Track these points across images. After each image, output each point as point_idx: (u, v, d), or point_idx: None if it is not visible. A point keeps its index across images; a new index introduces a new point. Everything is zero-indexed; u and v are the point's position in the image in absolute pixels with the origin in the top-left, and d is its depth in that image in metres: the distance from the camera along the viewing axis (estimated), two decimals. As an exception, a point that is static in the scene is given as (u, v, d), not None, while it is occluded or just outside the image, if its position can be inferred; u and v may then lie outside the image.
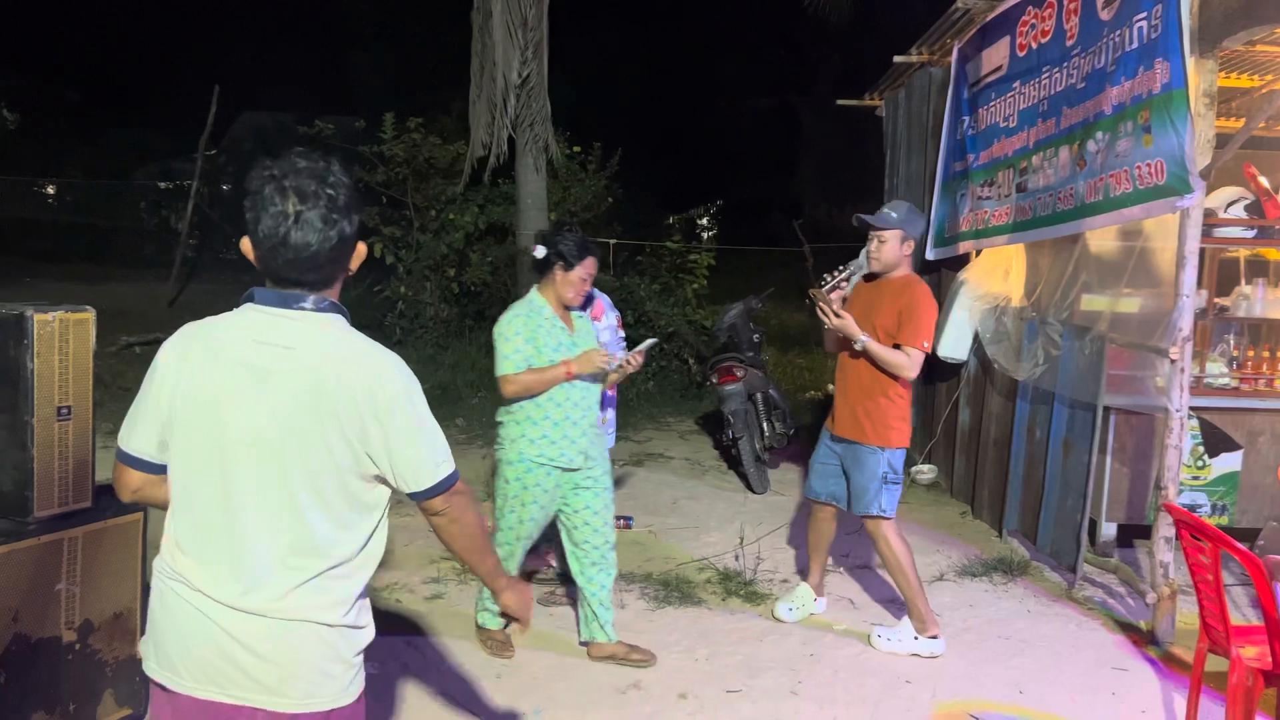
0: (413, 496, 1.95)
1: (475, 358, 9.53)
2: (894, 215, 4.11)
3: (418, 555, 5.03)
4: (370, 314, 11.78)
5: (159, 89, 26.47)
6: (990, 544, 5.60)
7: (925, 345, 4.01)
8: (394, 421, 1.90)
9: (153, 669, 1.93)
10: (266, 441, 1.86)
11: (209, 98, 15.00)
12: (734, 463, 6.85)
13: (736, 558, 5.17)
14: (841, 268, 4.16)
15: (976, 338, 5.95)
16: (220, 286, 16.87)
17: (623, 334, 4.87)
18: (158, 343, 7.72)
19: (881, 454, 4.07)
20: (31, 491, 2.96)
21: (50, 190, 23.31)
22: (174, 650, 1.89)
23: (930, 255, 6.40)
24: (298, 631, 1.86)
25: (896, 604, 4.65)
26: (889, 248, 4.09)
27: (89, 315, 3.09)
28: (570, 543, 4.00)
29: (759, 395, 6.65)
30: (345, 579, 1.91)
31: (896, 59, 7.45)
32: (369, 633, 1.98)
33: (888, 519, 4.10)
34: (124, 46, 28.73)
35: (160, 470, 1.95)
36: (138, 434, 1.94)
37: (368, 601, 1.98)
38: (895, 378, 4.04)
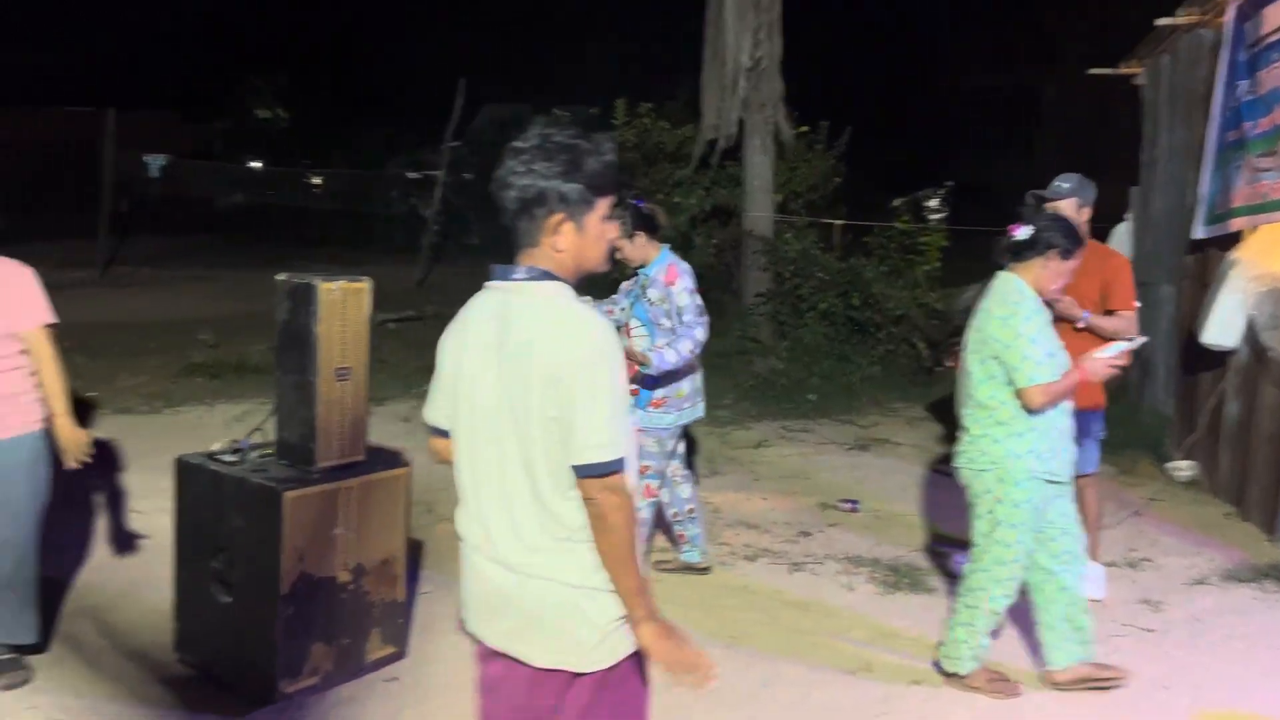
0: (576, 471, 1.91)
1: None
2: (1066, 186, 4.20)
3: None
4: (599, 293, 12.18)
5: (409, 86, 28.39)
6: (1260, 548, 5.10)
7: (1136, 304, 4.18)
8: (578, 385, 1.89)
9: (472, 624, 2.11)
10: (495, 411, 1.97)
11: (454, 92, 15.92)
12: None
13: (964, 546, 4.98)
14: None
15: (1250, 323, 5.42)
16: (462, 270, 17.95)
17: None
18: (410, 320, 8.43)
19: (1096, 415, 4.20)
20: (315, 443, 3.29)
21: (316, 181, 25.56)
22: (465, 595, 2.12)
23: (1200, 234, 5.89)
24: (540, 588, 1.95)
25: (1149, 604, 4.34)
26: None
27: (365, 285, 3.39)
28: (1048, 556, 3.47)
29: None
30: (586, 543, 1.94)
31: (1160, 22, 6.88)
32: (597, 599, 1.95)
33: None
34: (378, 48, 31.02)
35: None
36: (433, 406, 2.14)
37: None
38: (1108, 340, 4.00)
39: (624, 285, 4.51)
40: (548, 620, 1.96)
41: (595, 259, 2.03)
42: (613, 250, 3.53)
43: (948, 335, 6.69)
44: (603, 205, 2.00)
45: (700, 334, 4.22)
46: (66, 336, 9.98)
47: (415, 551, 4.53)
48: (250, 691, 3.28)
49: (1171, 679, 3.67)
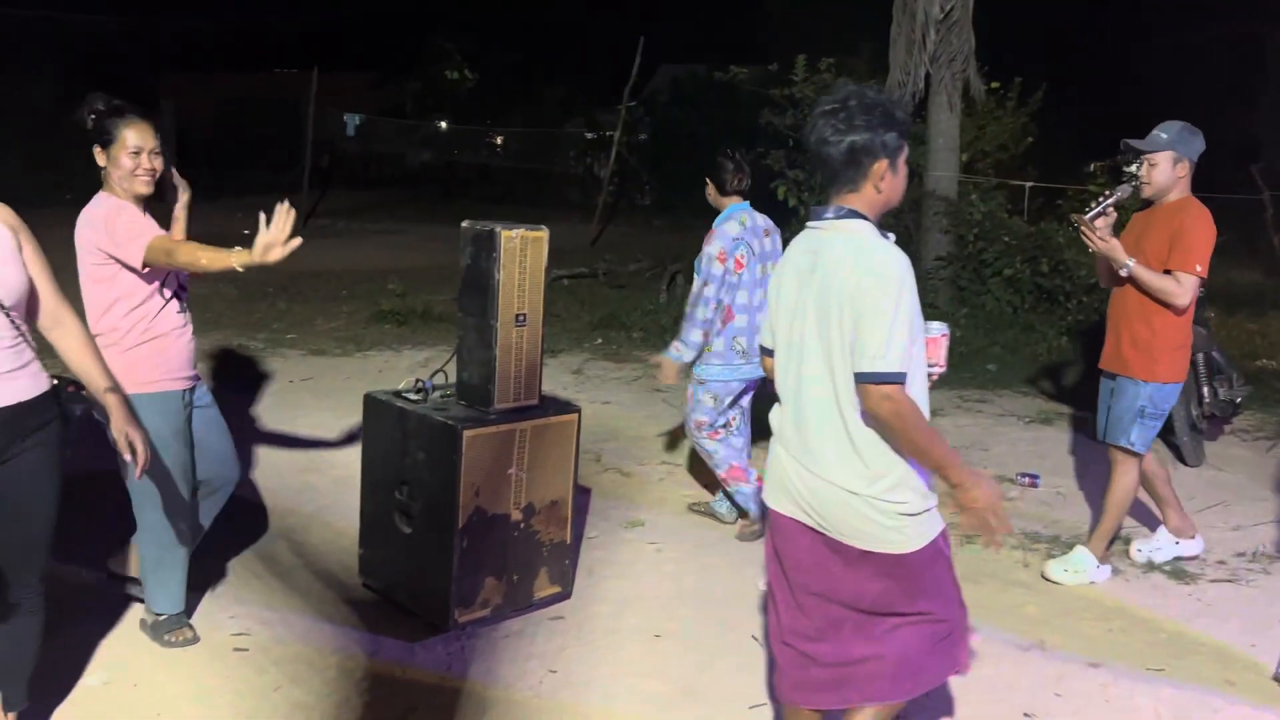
0: (856, 378, 2.22)
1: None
2: (1164, 136, 3.84)
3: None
4: (771, 257, 12.06)
5: (589, 47, 28.72)
6: None
7: (1199, 270, 3.78)
8: (867, 301, 2.19)
9: (767, 493, 2.51)
10: (810, 330, 2.30)
11: (632, 52, 15.99)
12: (1164, 430, 6.14)
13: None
14: (1108, 192, 3.91)
15: None
16: (635, 228, 18.16)
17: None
18: (583, 276, 8.58)
19: (1143, 387, 3.93)
20: (493, 385, 3.40)
21: (498, 140, 26.33)
22: (774, 482, 2.47)
23: None
24: (825, 489, 2.32)
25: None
26: (1159, 171, 3.86)
27: (544, 234, 3.46)
28: None
29: (1200, 355, 5.87)
30: (862, 453, 2.27)
31: None
32: (913, 505, 2.31)
33: (1135, 454, 4.01)
34: (560, 9, 31.50)
35: None
36: (764, 330, 2.53)
37: (909, 478, 2.31)
38: (1166, 306, 3.82)
39: None
40: (832, 515, 2.33)
41: (899, 196, 2.39)
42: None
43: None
44: (905, 149, 2.35)
45: (700, 313, 4.20)
46: (271, 283, 10.76)
47: (583, 497, 4.64)
48: (426, 618, 3.46)
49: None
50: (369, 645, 3.36)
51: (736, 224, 4.25)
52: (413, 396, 3.59)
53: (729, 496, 4.55)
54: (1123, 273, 3.83)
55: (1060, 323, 8.79)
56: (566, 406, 3.68)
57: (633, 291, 10.81)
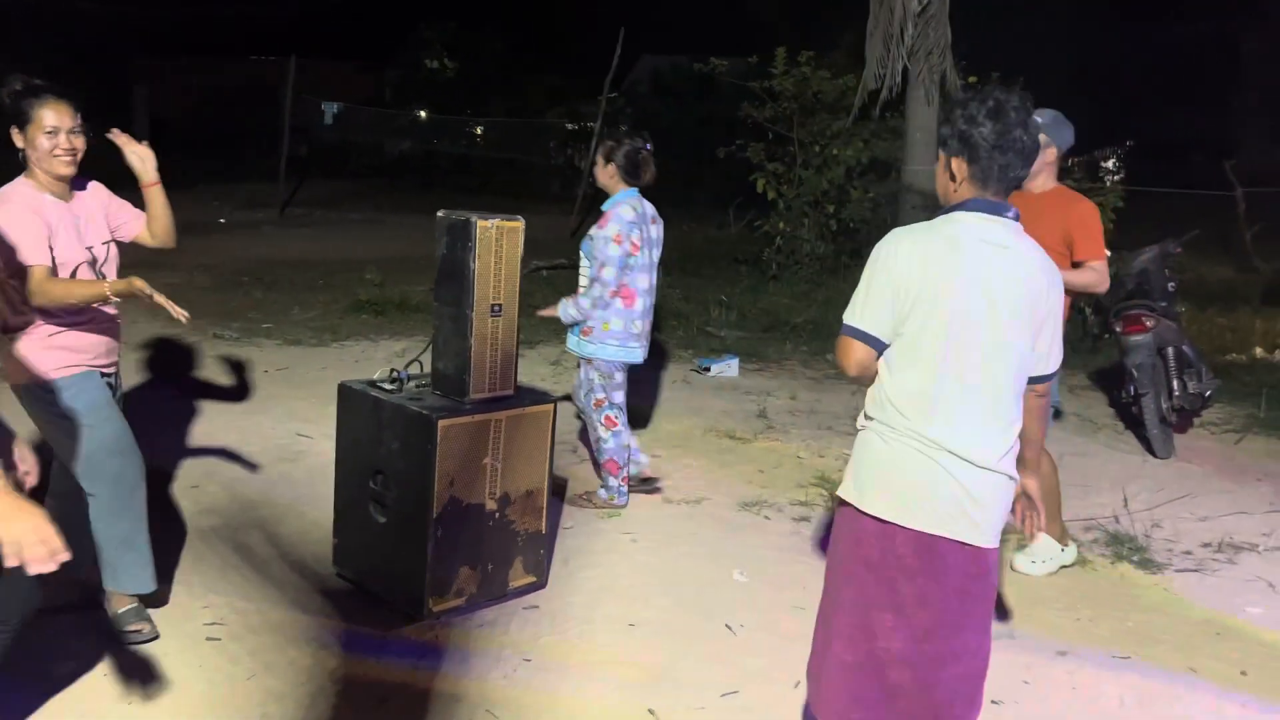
0: (1033, 379, 2.35)
1: (849, 295, 9.44)
2: (1039, 121, 3.74)
3: (784, 479, 5.15)
4: (748, 249, 12.07)
5: (570, 37, 28.64)
6: None
7: (1106, 253, 3.93)
8: (1054, 312, 2.32)
9: (878, 507, 2.31)
10: (989, 329, 2.25)
11: (613, 43, 15.95)
12: (1134, 423, 6.24)
13: (1119, 519, 4.75)
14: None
15: None
16: (614, 220, 18.15)
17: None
18: (562, 268, 8.55)
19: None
20: (469, 376, 3.41)
21: (478, 130, 26.21)
22: (909, 493, 2.28)
23: None
24: (1002, 483, 2.31)
25: (1331, 595, 4.04)
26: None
27: (520, 224, 3.46)
28: None
29: (1170, 349, 5.96)
30: (1017, 444, 2.35)
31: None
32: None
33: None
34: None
35: (883, 348, 2.34)
36: (876, 317, 2.32)
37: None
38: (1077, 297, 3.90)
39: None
40: (1001, 509, 2.32)
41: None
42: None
43: (1118, 300, 6.30)
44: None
45: (598, 291, 4.32)
46: (246, 272, 10.67)
47: (559, 488, 4.66)
48: (400, 607, 3.46)
49: (1350, 674, 3.41)
50: (343, 635, 3.36)
51: (629, 209, 4.36)
52: (388, 386, 3.59)
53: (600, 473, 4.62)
54: None
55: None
56: (542, 397, 3.69)
57: (611, 283, 10.81)
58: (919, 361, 2.27)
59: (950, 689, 2.33)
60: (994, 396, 2.28)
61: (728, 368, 7.42)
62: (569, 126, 23.95)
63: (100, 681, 3.00)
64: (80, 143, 3.07)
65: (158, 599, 3.38)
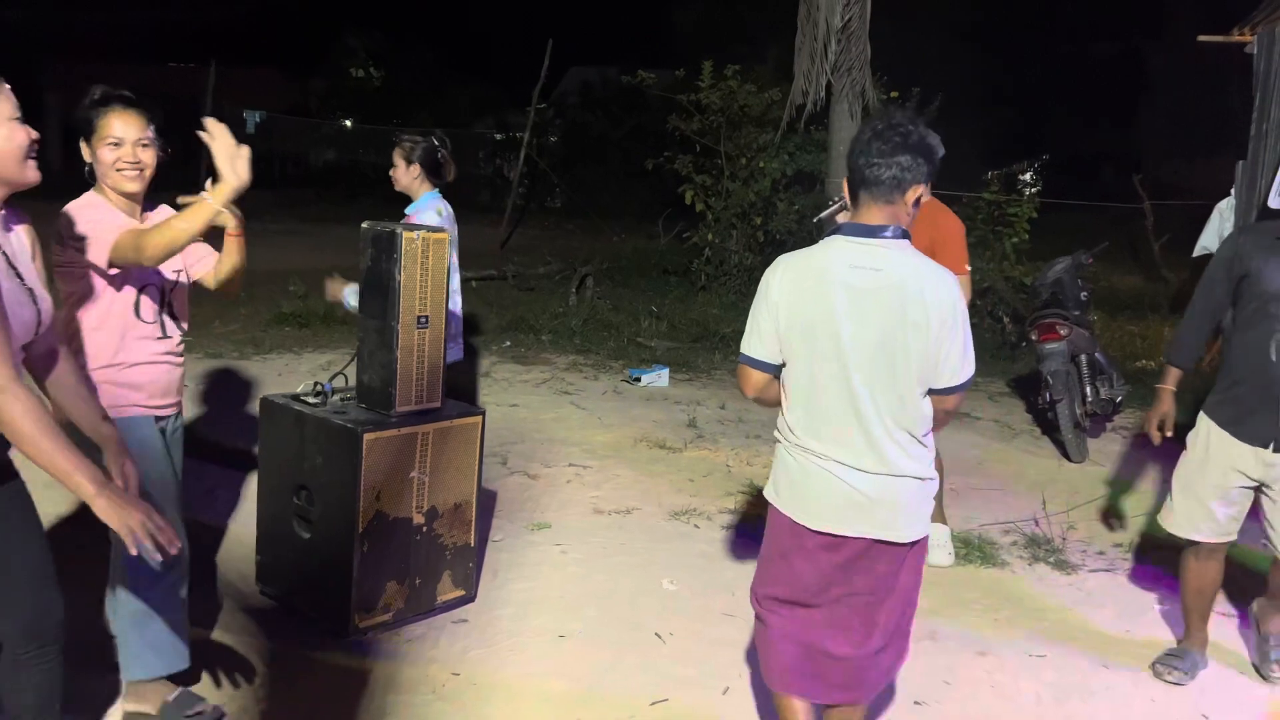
0: (935, 391, 2.41)
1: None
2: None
3: (714, 487, 5.20)
4: (678, 260, 12.17)
5: (498, 48, 28.55)
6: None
7: (968, 269, 3.98)
8: (947, 322, 2.35)
9: (791, 509, 2.51)
10: (869, 345, 2.36)
11: (541, 54, 15.95)
12: (1049, 428, 6.44)
13: (1037, 522, 4.90)
14: (836, 198, 3.98)
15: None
16: (545, 231, 18.10)
17: None
18: (491, 279, 8.46)
19: None
20: (395, 389, 3.37)
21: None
22: (812, 501, 2.46)
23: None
24: (908, 485, 2.43)
25: (1234, 588, 4.22)
26: None
27: (445, 236, 3.44)
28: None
29: (1083, 357, 6.17)
30: (925, 446, 2.46)
31: (1278, -14, 6.53)
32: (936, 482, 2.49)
33: None
34: (468, 8, 31.22)
35: (775, 370, 2.51)
36: (762, 343, 2.50)
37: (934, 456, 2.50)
38: None
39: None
40: (903, 507, 2.43)
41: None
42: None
43: (1034, 310, 6.52)
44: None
45: None
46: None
47: (488, 500, 4.63)
48: (326, 624, 3.41)
49: (1251, 667, 3.57)
50: (267, 653, 3.29)
51: (433, 213, 4.20)
52: (312, 400, 3.53)
53: None
54: None
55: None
56: (470, 409, 3.67)
57: (541, 294, 10.79)
58: (800, 385, 2.46)
59: (868, 664, 2.54)
60: (881, 412, 2.38)
61: (658, 378, 7.46)
62: (497, 137, 23.87)
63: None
64: (149, 157, 2.80)
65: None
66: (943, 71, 13.51)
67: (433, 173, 4.31)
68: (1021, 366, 8.23)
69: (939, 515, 4.28)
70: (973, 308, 8.99)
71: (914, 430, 2.42)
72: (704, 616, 3.74)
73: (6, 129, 2.10)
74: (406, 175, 4.31)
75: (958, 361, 2.39)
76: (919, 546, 2.52)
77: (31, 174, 2.17)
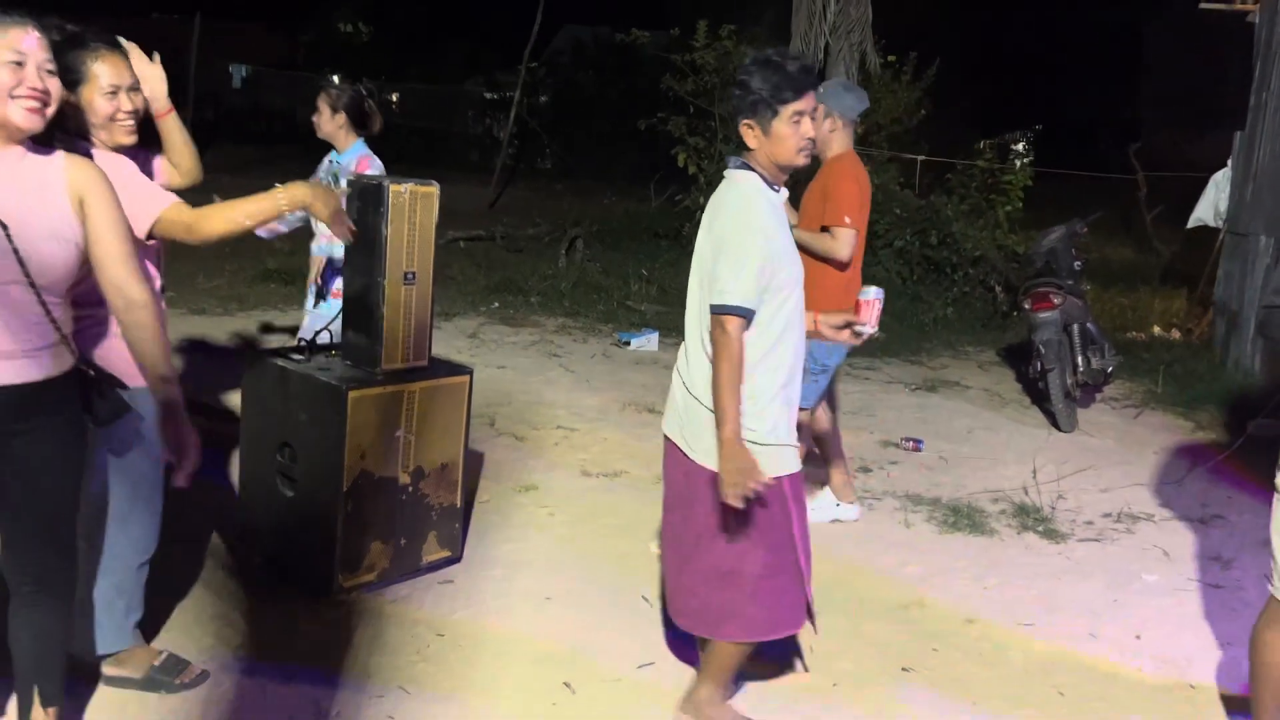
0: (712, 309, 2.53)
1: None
2: (820, 91, 3.76)
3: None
4: (669, 223, 12.06)
5: (489, 5, 28.10)
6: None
7: (847, 221, 3.93)
8: (723, 247, 2.54)
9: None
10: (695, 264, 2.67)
11: (535, 11, 15.72)
12: (1040, 398, 6.43)
13: (1026, 491, 4.89)
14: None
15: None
16: (535, 192, 17.93)
17: None
18: (480, 239, 8.33)
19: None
20: (380, 346, 3.31)
21: (394, 97, 25.61)
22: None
23: None
24: (680, 392, 2.70)
25: (1220, 560, 4.22)
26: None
27: (435, 189, 3.36)
28: None
29: (1075, 326, 6.14)
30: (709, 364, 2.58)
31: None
32: (758, 434, 2.54)
33: (803, 409, 3.95)
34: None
35: None
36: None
37: (772, 407, 2.57)
38: (828, 263, 3.95)
39: (321, 165, 4.35)
40: (687, 419, 2.66)
41: (786, 156, 2.60)
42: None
43: (1027, 279, 6.48)
44: (785, 112, 2.55)
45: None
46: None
47: (475, 461, 4.59)
48: (310, 584, 3.36)
49: (1238, 636, 3.57)
50: (250, 612, 3.25)
51: (372, 161, 4.10)
52: (296, 356, 3.47)
53: None
54: None
55: (946, 293, 9.06)
56: (458, 369, 3.61)
57: (530, 255, 10.70)
58: None
59: (673, 582, 2.78)
60: (689, 321, 2.68)
61: (647, 342, 7.41)
62: (487, 96, 23.56)
63: None
64: (140, 102, 2.58)
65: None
66: (942, 37, 13.38)
67: (358, 123, 4.16)
68: (1012, 336, 8.21)
69: (828, 478, 4.37)
70: (965, 276, 8.99)
71: (692, 345, 2.65)
72: (691, 580, 3.71)
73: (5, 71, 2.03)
74: (331, 123, 4.17)
75: (720, 277, 2.51)
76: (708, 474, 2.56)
77: (17, 117, 2.07)
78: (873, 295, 3.03)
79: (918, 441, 5.59)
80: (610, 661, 3.12)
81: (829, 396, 4.34)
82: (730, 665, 2.73)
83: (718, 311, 2.49)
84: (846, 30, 8.90)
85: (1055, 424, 6.08)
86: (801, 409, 4.02)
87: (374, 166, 4.10)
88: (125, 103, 2.51)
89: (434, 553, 3.59)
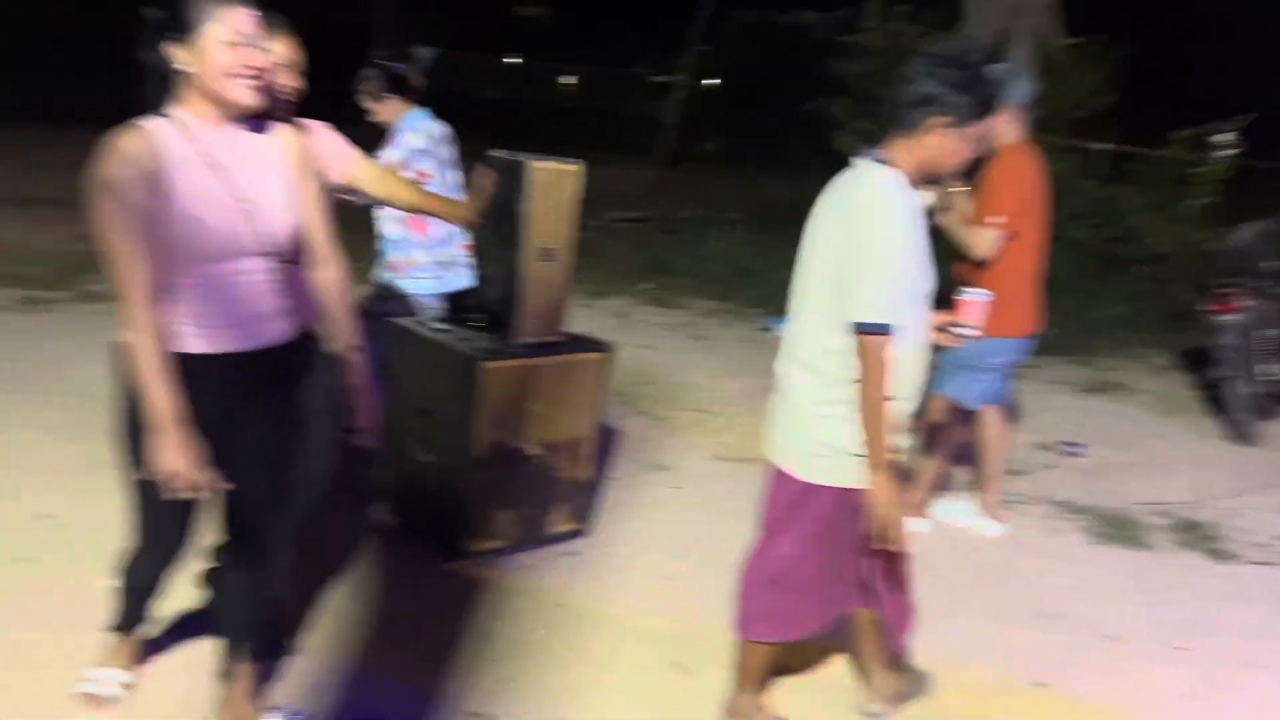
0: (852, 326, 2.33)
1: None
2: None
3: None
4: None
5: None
6: None
7: (992, 219, 3.68)
8: (859, 255, 2.30)
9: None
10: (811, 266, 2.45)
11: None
12: (1220, 407, 5.95)
13: (1192, 505, 4.54)
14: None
15: None
16: (698, 175, 17.91)
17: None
18: (637, 221, 8.36)
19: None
20: (517, 320, 3.38)
21: (568, 80, 26.12)
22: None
23: None
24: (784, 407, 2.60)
25: None
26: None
27: (576, 168, 3.40)
28: None
29: (1263, 331, 5.65)
30: (818, 375, 2.46)
31: None
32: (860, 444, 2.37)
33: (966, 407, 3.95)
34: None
35: None
36: None
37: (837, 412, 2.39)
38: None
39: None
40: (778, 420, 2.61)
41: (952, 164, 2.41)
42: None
43: (1213, 278, 5.99)
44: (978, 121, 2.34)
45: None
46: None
47: (610, 438, 4.64)
48: (440, 546, 3.49)
49: None
50: (380, 570, 3.40)
51: (415, 133, 3.96)
52: (437, 325, 3.59)
53: None
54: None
55: (1124, 290, 8.50)
56: (593, 345, 3.65)
57: (686, 238, 10.70)
58: None
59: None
60: (793, 329, 2.53)
61: (796, 328, 7.28)
62: (656, 79, 23.65)
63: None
64: (270, 63, 2.30)
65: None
66: (1138, 13, 12.49)
67: (406, 92, 4.04)
68: (1195, 338, 7.62)
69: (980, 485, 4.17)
70: (1146, 273, 8.40)
71: (802, 352, 2.45)
72: (817, 572, 3.64)
73: (215, 50, 2.07)
74: (388, 109, 4.03)
75: (856, 291, 2.28)
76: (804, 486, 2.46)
77: (240, 94, 2.11)
78: (975, 295, 2.89)
79: (1077, 446, 5.28)
80: (726, 647, 3.09)
81: (1004, 402, 4.13)
82: (759, 665, 2.67)
83: (862, 330, 2.27)
84: (1028, 10, 8.44)
85: (1234, 436, 5.62)
86: (964, 407, 3.88)
87: (398, 144, 3.94)
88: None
89: (561, 525, 3.66)
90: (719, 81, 22.12)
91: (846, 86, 10.79)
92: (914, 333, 2.39)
